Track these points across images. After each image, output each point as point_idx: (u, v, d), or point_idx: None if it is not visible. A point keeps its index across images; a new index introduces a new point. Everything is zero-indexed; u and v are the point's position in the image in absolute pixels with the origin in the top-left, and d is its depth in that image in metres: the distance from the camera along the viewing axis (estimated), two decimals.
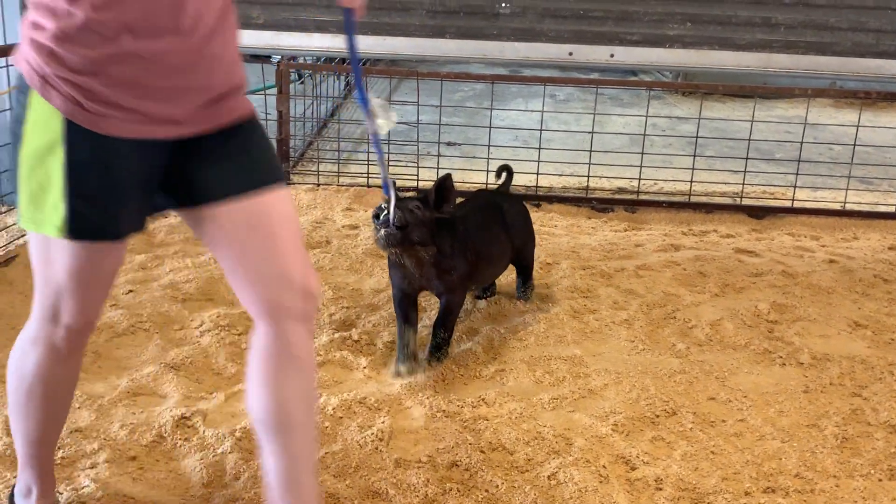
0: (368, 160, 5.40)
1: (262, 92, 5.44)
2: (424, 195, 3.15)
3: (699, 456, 2.75)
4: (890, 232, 5.03)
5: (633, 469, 2.67)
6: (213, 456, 2.64)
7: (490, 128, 5.36)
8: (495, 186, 3.97)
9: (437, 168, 5.30)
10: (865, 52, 5.15)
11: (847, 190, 5.27)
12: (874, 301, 4.02)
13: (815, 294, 4.07)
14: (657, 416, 2.97)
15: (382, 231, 2.97)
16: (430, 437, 2.82)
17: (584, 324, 3.68)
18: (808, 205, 5.31)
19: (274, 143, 5.30)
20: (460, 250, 3.25)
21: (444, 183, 3.13)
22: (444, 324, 3.30)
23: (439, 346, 3.28)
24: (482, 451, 2.72)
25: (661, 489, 2.57)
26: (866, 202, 5.41)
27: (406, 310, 3.25)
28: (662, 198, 5.45)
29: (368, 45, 5.35)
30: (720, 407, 3.07)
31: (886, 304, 3.98)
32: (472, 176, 5.50)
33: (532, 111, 5.81)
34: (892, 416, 3.04)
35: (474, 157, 5.80)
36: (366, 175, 5.38)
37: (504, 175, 3.89)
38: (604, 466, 2.65)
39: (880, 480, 2.70)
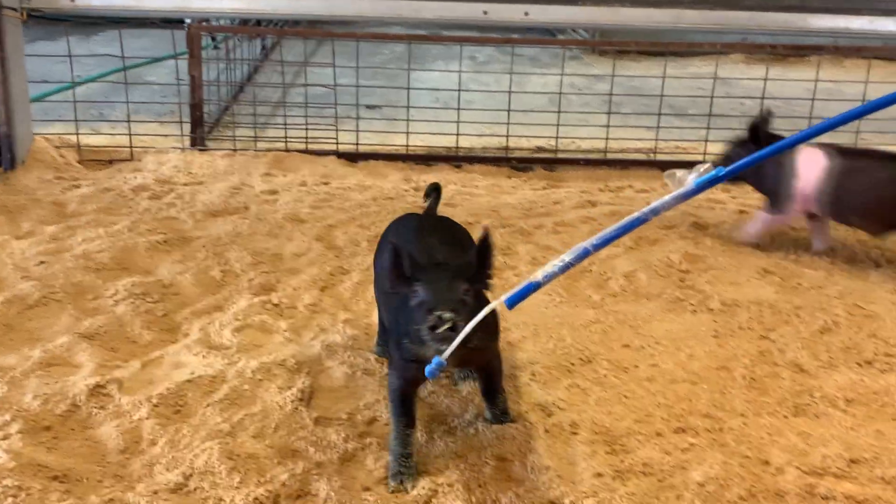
0: (286, 124, 5.35)
1: (174, 58, 5.32)
2: (460, 266, 2.28)
3: (613, 400, 2.83)
4: None
5: (550, 415, 2.73)
6: (130, 423, 2.62)
7: (408, 89, 5.35)
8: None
9: (357, 131, 5.28)
10: (773, 6, 5.28)
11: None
12: (782, 248, 4.15)
13: (726, 244, 4.19)
14: (573, 365, 3.04)
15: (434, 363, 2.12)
16: (351, 395, 2.84)
17: (503, 280, 3.73)
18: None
19: (187, 108, 5.22)
20: (484, 300, 2.38)
21: (486, 241, 2.30)
22: (500, 385, 2.65)
23: (506, 411, 2.66)
24: None
25: (576, 433, 2.64)
26: None
27: (411, 408, 2.47)
28: (580, 156, 5.52)
29: (283, 6, 5.28)
30: (634, 353, 3.15)
31: (794, 251, 4.12)
32: (394, 139, 5.49)
33: (452, 72, 5.80)
34: (798, 356, 3.16)
35: (395, 120, 5.78)
36: (284, 139, 5.32)
37: (433, 195, 3.09)
38: (521, 415, 2.71)
39: (786, 417, 2.82)
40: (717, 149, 5.55)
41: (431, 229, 2.74)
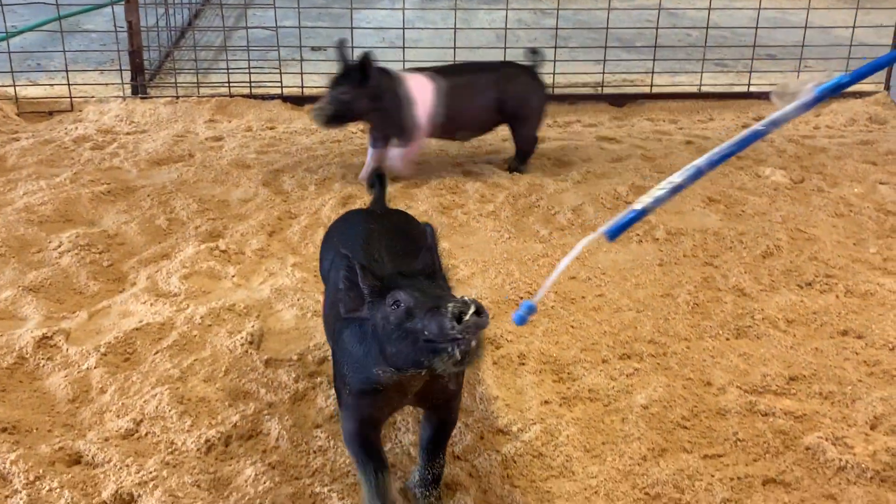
0: (229, 69, 5.26)
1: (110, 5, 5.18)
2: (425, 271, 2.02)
3: (560, 331, 2.88)
4: (743, 111, 5.24)
5: (499, 348, 2.78)
6: (79, 373, 2.61)
7: (352, 29, 5.27)
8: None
9: (302, 74, 5.21)
10: None
11: (702, 73, 5.44)
12: (727, 177, 4.21)
13: (672, 174, 4.22)
14: (521, 298, 3.08)
15: None
16: (301, 336, 2.86)
17: (452, 218, 3.75)
18: (666, 90, 5.47)
19: (126, 55, 5.11)
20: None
21: (431, 243, 2.05)
22: (446, 442, 2.20)
23: (439, 477, 2.18)
24: None
25: (524, 364, 2.69)
26: (721, 84, 5.60)
27: (376, 448, 2.11)
28: None
29: None
30: (580, 285, 3.20)
31: (738, 179, 4.18)
32: None
33: (397, 9, 5.72)
34: (741, 280, 3.23)
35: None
36: (227, 84, 5.24)
37: (377, 186, 2.68)
38: None
39: (728, 339, 2.89)
40: (664, 81, 5.60)
41: (381, 233, 2.36)
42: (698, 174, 1.96)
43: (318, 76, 5.42)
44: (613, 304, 3.07)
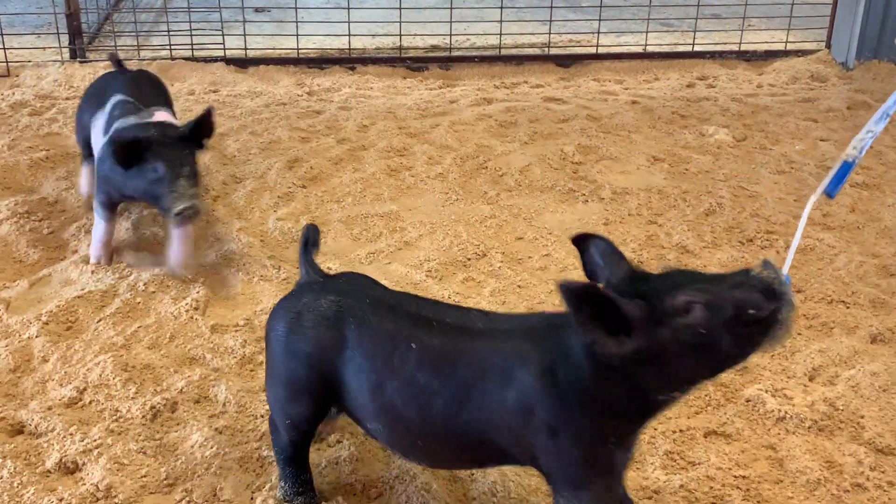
0: (169, 31, 5.14)
1: None
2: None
3: (507, 290, 2.90)
4: (688, 70, 5.28)
5: None
6: (20, 342, 2.57)
7: None
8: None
9: (245, 36, 5.12)
10: None
11: (647, 33, 5.46)
12: (671, 136, 4.25)
13: (618, 134, 4.26)
14: (468, 260, 3.09)
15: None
16: (248, 301, 2.84)
17: (400, 181, 3.73)
18: (612, 50, 5.48)
19: (63, 18, 4.97)
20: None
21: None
22: None
23: None
24: None
25: None
26: (666, 43, 5.63)
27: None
28: (475, 53, 5.48)
29: None
30: (527, 245, 3.22)
31: (682, 138, 4.22)
32: (284, 42, 5.35)
33: None
34: (684, 238, 3.28)
35: (284, 22, 5.63)
36: (168, 47, 5.13)
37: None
38: None
39: None
40: (610, 41, 5.61)
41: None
42: (885, 118, 1.99)
43: (261, 38, 5.35)
44: (559, 264, 3.10)
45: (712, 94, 4.86)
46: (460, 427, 1.74)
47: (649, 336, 1.56)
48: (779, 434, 2.30)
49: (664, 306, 1.55)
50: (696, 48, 5.43)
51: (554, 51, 5.49)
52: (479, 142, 4.12)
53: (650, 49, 5.46)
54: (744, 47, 5.44)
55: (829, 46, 5.43)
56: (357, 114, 4.48)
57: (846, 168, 1.93)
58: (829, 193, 1.94)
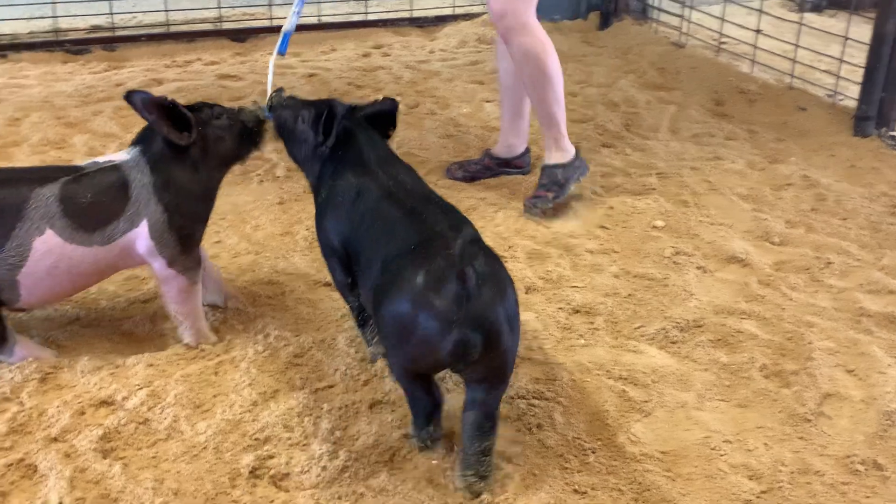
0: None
1: None
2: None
3: None
4: (363, 40, 5.32)
5: None
6: None
7: None
8: None
9: None
10: None
11: (321, 3, 5.44)
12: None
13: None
14: None
15: None
16: None
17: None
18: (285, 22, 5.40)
19: None
20: None
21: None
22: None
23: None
24: None
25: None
26: (341, 13, 5.64)
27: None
28: (142, 32, 5.19)
29: None
30: None
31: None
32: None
33: None
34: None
35: None
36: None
37: None
38: None
39: None
40: (283, 13, 5.52)
41: None
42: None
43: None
44: (231, 250, 3.02)
45: (387, 63, 4.94)
46: None
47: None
48: None
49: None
50: (370, 17, 5.48)
51: (227, 25, 5.33)
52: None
53: (324, 20, 5.44)
54: (415, 14, 5.58)
55: None
56: (8, 106, 4.10)
57: (286, 36, 2.85)
58: (281, 53, 2.88)
